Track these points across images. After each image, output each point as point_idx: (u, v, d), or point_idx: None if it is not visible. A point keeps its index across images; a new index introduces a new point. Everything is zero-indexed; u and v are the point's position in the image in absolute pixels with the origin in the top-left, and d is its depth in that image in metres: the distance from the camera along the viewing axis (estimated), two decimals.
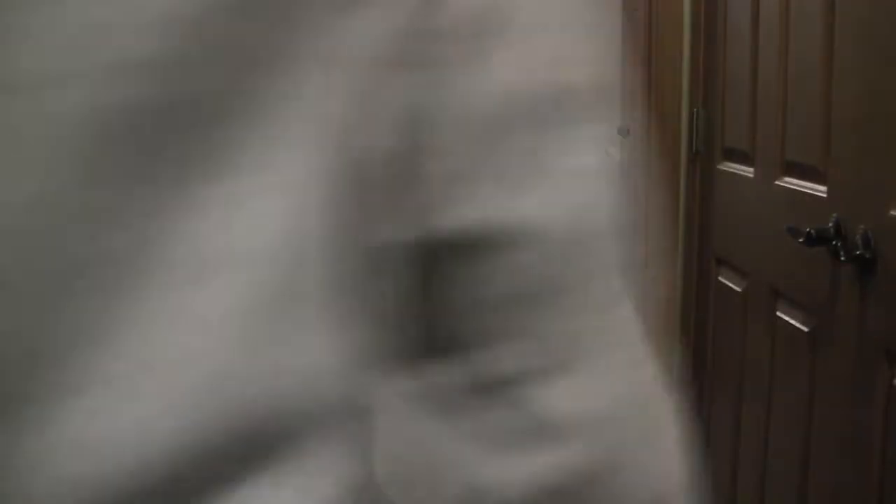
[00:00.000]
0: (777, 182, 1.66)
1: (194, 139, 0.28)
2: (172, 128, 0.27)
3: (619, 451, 0.36)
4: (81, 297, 0.27)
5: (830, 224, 1.37)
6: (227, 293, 0.28)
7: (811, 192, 1.50)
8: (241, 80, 0.28)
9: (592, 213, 0.34)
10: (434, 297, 0.33)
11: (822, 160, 1.46)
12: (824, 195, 1.44)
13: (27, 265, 0.27)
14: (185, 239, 0.28)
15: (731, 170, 1.96)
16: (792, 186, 1.59)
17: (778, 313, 1.64)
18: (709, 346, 2.12)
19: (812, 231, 1.37)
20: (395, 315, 0.34)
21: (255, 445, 0.30)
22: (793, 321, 1.57)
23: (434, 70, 0.31)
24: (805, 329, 1.52)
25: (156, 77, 0.27)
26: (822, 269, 1.42)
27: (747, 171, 1.84)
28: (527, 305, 0.33)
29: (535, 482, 0.34)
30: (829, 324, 1.42)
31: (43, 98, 0.26)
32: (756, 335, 1.76)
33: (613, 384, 0.35)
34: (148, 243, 0.27)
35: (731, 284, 1.94)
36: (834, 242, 1.34)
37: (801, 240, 1.38)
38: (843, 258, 1.31)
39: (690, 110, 2.22)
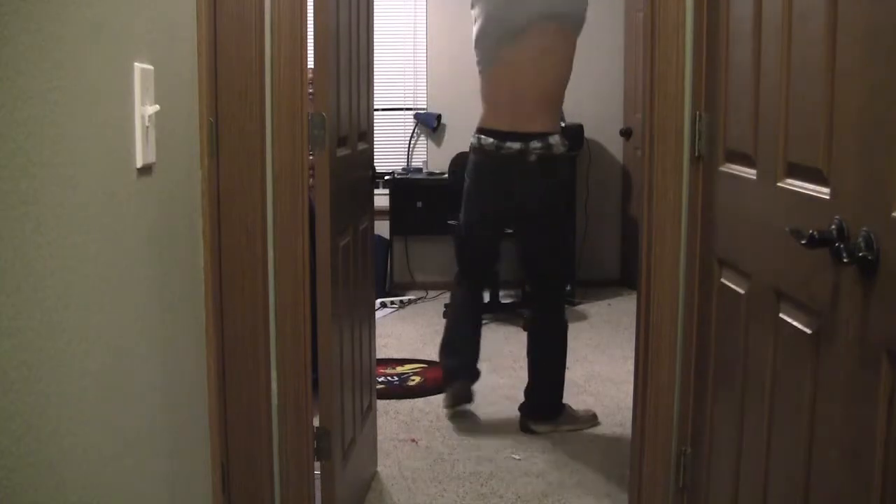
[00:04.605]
0: (779, 184, 1.66)
1: None
2: None
3: None
4: None
5: (833, 226, 1.37)
6: None
7: (813, 193, 1.50)
8: None
9: None
10: None
11: (824, 162, 1.46)
12: (827, 197, 1.44)
13: None
14: None
15: (734, 172, 1.96)
16: (794, 188, 1.59)
17: (780, 315, 1.64)
18: (711, 347, 2.12)
19: (814, 233, 1.37)
20: None
21: None
22: (795, 323, 1.57)
23: None
24: (807, 331, 1.52)
25: None
26: (824, 270, 1.42)
27: (749, 172, 1.84)
28: None
29: None
30: (831, 325, 1.42)
31: None
32: (758, 337, 1.76)
33: None
34: None
35: (733, 286, 1.94)
36: (836, 244, 1.34)
37: (803, 241, 1.38)
38: (845, 260, 1.31)
39: (693, 113, 2.23)
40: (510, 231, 3.66)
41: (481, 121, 3.38)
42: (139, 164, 1.29)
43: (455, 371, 3.64)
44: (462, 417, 3.63)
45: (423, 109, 5.95)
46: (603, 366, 4.31)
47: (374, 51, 3.01)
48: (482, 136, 3.33)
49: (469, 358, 3.67)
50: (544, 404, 3.52)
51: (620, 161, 5.99)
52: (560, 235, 3.54)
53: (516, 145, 3.25)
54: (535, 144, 3.25)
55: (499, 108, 3.31)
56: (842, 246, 1.33)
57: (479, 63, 3.39)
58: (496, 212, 3.43)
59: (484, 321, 4.61)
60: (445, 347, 3.69)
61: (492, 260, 3.70)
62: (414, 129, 5.97)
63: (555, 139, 3.28)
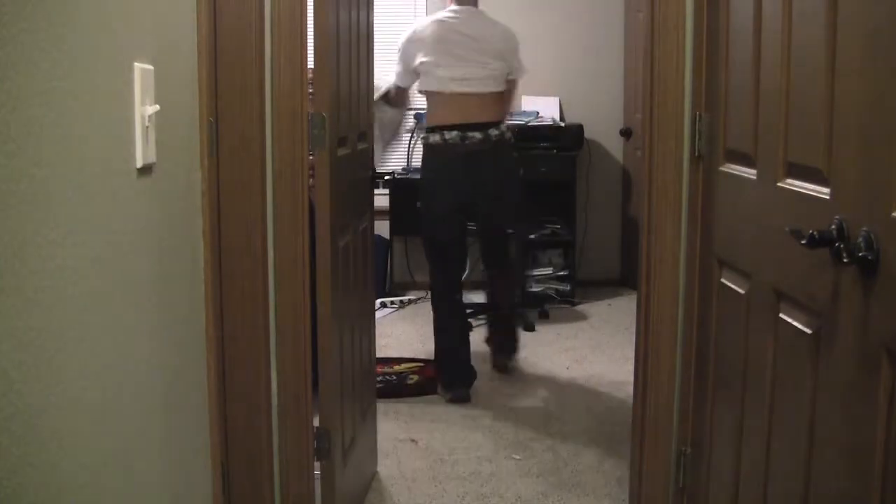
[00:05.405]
0: (779, 184, 1.66)
1: None
2: None
3: None
4: None
5: (833, 226, 1.37)
6: None
7: (813, 193, 1.50)
8: None
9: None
10: None
11: (824, 162, 1.46)
12: (827, 197, 1.44)
13: None
14: None
15: (734, 172, 1.96)
16: (794, 188, 1.59)
17: (780, 315, 1.64)
18: (711, 348, 2.12)
19: (814, 233, 1.37)
20: None
21: None
22: (795, 323, 1.57)
23: None
24: (807, 331, 1.52)
25: None
26: (824, 270, 1.42)
27: (749, 172, 1.84)
28: None
29: None
30: (831, 325, 1.42)
31: None
32: (758, 337, 1.76)
33: None
34: None
35: (733, 286, 1.94)
36: (836, 244, 1.34)
37: (803, 241, 1.38)
38: (845, 260, 1.31)
39: (693, 113, 2.23)
40: (472, 226, 4.05)
41: (437, 120, 3.82)
42: (139, 164, 1.29)
43: (452, 378, 3.92)
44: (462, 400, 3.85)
45: (424, 109, 5.94)
46: (603, 366, 4.30)
47: (374, 50, 3.01)
48: (444, 132, 3.75)
49: (463, 364, 3.94)
50: (511, 340, 4.23)
51: (620, 161, 5.99)
52: (517, 210, 4.11)
53: (478, 134, 3.74)
54: (494, 131, 3.78)
55: (452, 107, 3.77)
56: (842, 246, 1.33)
57: (426, 85, 3.88)
58: (461, 201, 3.82)
59: (483, 321, 4.63)
60: (439, 358, 3.99)
61: (462, 251, 4.05)
62: (414, 129, 5.97)
63: (504, 126, 3.85)
